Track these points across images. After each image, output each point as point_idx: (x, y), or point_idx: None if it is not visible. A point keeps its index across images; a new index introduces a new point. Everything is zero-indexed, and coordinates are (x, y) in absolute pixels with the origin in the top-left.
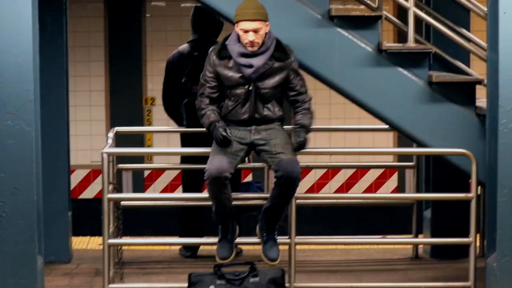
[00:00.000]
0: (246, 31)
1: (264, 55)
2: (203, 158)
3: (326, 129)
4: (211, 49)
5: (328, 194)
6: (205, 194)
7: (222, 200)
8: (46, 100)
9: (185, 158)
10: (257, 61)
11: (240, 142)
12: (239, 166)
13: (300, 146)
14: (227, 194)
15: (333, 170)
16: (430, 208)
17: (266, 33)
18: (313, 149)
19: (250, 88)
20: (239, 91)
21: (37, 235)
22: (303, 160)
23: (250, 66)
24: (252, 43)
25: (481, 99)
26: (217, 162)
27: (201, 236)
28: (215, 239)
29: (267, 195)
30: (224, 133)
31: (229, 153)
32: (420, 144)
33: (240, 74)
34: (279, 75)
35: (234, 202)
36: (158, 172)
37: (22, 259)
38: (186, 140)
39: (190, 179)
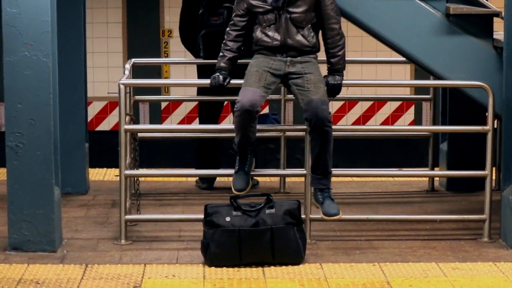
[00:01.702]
0: None
1: None
2: (219, 90)
3: None
4: None
5: (345, 126)
6: (221, 126)
7: (248, 133)
8: (63, 31)
9: (202, 90)
10: None
11: (274, 73)
12: None
13: (334, 89)
14: (254, 127)
15: (350, 103)
16: (446, 141)
17: None
18: None
19: (281, 12)
20: (270, 16)
21: (54, 167)
22: None
23: None
24: None
25: (499, 32)
26: (250, 94)
27: (217, 168)
28: (231, 171)
29: (284, 127)
30: (221, 83)
31: (261, 86)
32: (437, 77)
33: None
34: None
35: None
36: (175, 104)
37: (39, 190)
38: (203, 72)
39: (206, 111)
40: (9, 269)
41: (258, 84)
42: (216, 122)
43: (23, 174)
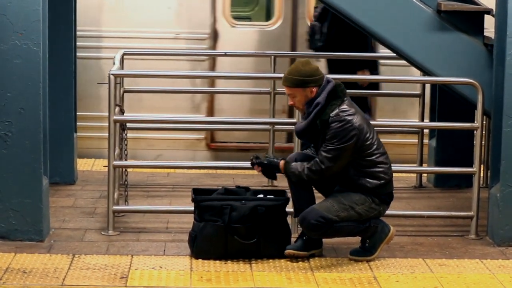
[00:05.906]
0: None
1: (306, 121)
2: None
3: (332, 55)
4: None
5: None
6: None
7: None
8: (54, 20)
9: None
10: (301, 125)
11: None
12: None
13: (268, 163)
14: None
15: None
16: (435, 138)
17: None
18: None
19: None
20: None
21: (42, 156)
22: None
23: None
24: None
25: (489, 29)
26: None
27: None
28: (219, 163)
29: (274, 120)
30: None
31: None
32: (427, 73)
33: None
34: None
35: None
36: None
37: (27, 180)
38: None
39: None
40: None
41: None
42: None
43: (12, 163)
